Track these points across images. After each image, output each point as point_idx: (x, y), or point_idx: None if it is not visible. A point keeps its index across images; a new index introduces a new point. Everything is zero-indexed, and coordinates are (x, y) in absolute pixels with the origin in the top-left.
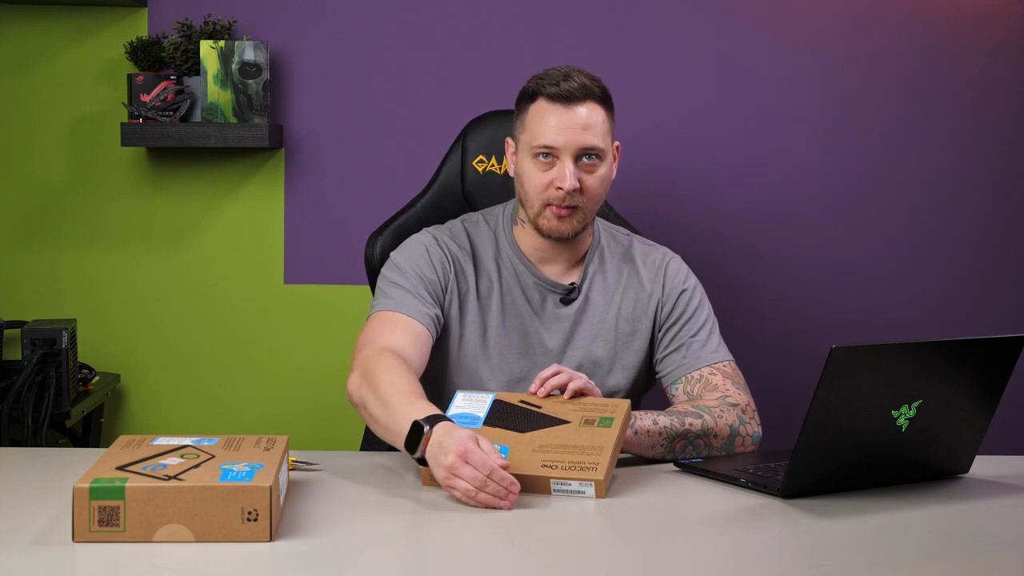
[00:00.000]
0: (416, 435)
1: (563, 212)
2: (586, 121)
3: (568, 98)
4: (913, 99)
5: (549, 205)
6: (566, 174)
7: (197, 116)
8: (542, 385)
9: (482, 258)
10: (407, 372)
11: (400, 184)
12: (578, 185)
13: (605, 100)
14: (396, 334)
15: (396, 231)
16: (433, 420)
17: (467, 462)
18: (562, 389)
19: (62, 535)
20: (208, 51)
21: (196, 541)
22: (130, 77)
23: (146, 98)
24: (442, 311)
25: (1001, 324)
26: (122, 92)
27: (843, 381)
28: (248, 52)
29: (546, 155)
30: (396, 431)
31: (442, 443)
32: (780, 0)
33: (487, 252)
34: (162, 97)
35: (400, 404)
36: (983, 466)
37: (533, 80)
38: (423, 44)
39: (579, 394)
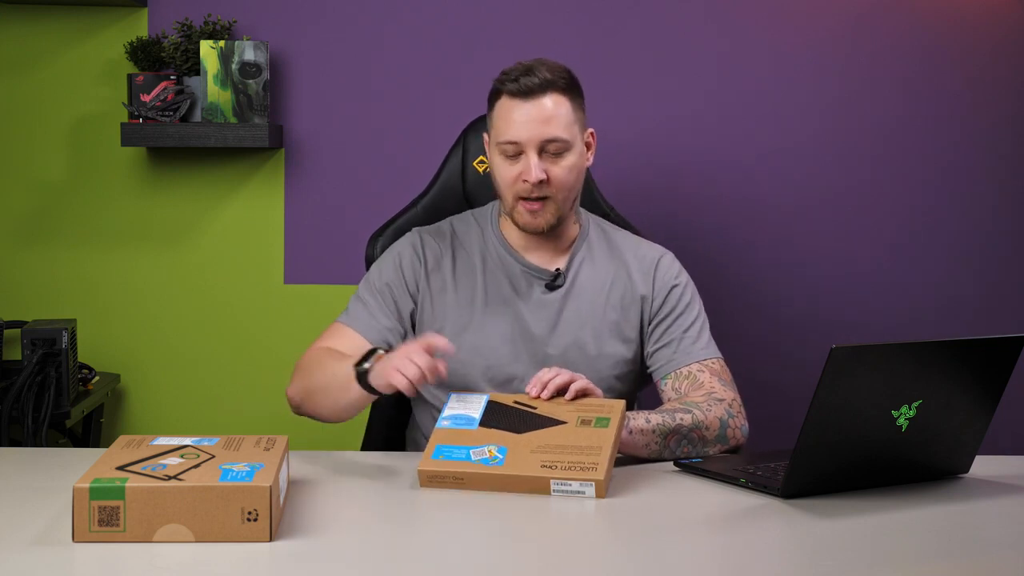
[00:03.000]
0: (370, 353)
1: (535, 206)
2: (548, 113)
3: (527, 92)
4: (913, 99)
5: (520, 199)
6: (531, 166)
7: (197, 116)
8: (543, 388)
9: (467, 253)
10: (341, 353)
11: (401, 184)
12: (544, 176)
13: (570, 90)
14: (337, 343)
15: (396, 231)
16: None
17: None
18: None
19: (62, 535)
20: (208, 51)
21: (196, 541)
22: (130, 77)
23: (146, 98)
24: (412, 318)
25: (1001, 324)
26: (122, 92)
27: (843, 381)
28: (248, 52)
29: (512, 150)
30: (343, 376)
31: (391, 354)
32: (780, 0)
33: (473, 247)
34: (162, 97)
35: (339, 361)
36: (983, 466)
37: (498, 77)
38: (423, 44)
39: (580, 394)
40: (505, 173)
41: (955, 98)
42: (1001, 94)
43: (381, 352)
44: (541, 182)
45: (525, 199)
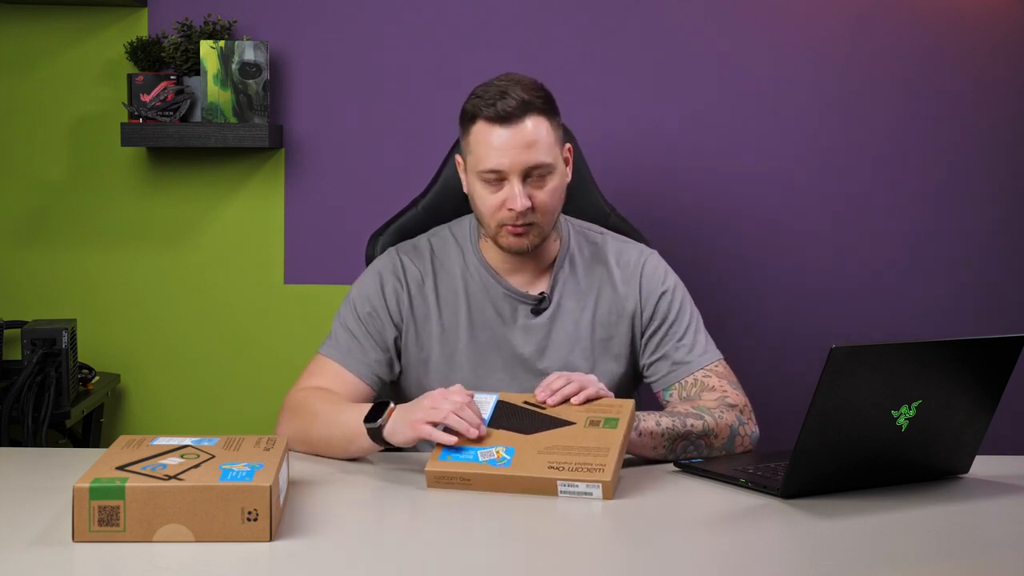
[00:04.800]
0: (380, 408)
1: (519, 231)
2: (529, 138)
3: (507, 117)
4: (913, 99)
5: (504, 225)
6: (515, 195)
7: (197, 116)
8: (552, 394)
9: (449, 275)
10: (336, 394)
11: (401, 184)
12: (529, 204)
13: (547, 109)
14: (325, 380)
15: (397, 231)
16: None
17: (451, 392)
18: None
19: (62, 535)
20: (208, 51)
21: (196, 541)
22: (130, 77)
23: (146, 98)
24: (396, 345)
25: (1001, 324)
26: (122, 92)
27: (843, 381)
28: (248, 52)
29: (494, 177)
30: (348, 429)
31: (408, 405)
32: (780, 0)
33: (455, 268)
34: (162, 97)
35: (342, 409)
36: (983, 466)
37: (471, 99)
38: (423, 44)
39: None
40: (488, 201)
41: (955, 98)
42: (1001, 94)
43: (392, 406)
44: (526, 209)
45: (509, 225)
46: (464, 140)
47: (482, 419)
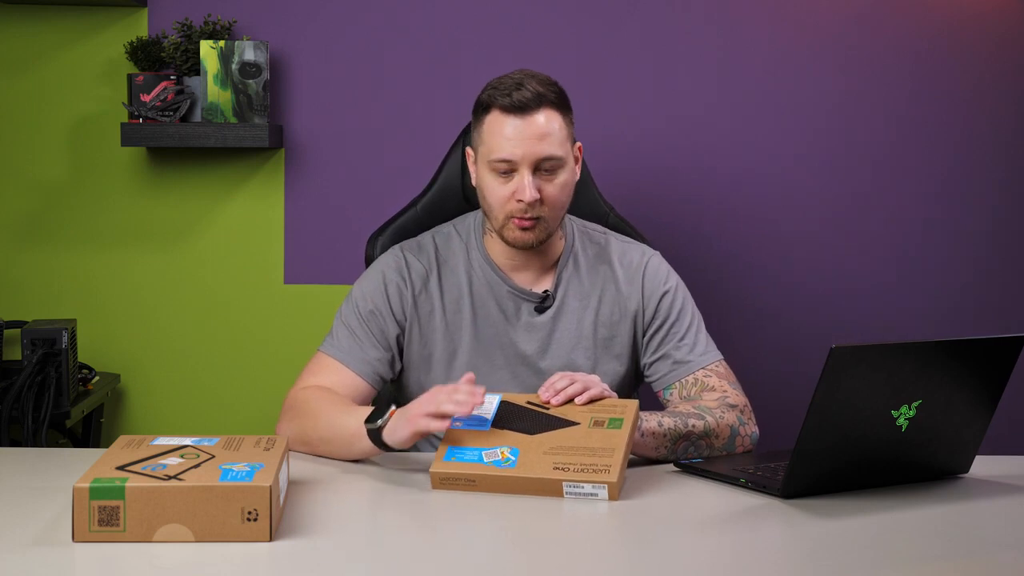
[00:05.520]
0: (382, 410)
1: (526, 224)
2: (542, 130)
3: (522, 108)
4: (913, 99)
5: (512, 217)
6: (525, 186)
7: (197, 116)
8: (556, 394)
9: (453, 272)
10: (338, 395)
11: (400, 184)
12: (538, 196)
13: (561, 104)
14: (326, 379)
15: (397, 231)
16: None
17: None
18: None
19: (62, 535)
20: (208, 51)
21: (196, 541)
22: (130, 77)
23: (146, 98)
24: (398, 343)
25: (1001, 324)
26: (122, 92)
27: (843, 381)
28: (248, 52)
29: (504, 167)
30: (349, 431)
31: (408, 405)
32: (780, 1)
33: (459, 265)
34: (162, 97)
35: (343, 411)
36: (983, 466)
37: (486, 90)
38: (423, 44)
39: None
40: (498, 192)
41: (955, 98)
42: (1001, 94)
43: (394, 408)
44: (535, 201)
45: (517, 217)
46: (476, 130)
47: (484, 402)
